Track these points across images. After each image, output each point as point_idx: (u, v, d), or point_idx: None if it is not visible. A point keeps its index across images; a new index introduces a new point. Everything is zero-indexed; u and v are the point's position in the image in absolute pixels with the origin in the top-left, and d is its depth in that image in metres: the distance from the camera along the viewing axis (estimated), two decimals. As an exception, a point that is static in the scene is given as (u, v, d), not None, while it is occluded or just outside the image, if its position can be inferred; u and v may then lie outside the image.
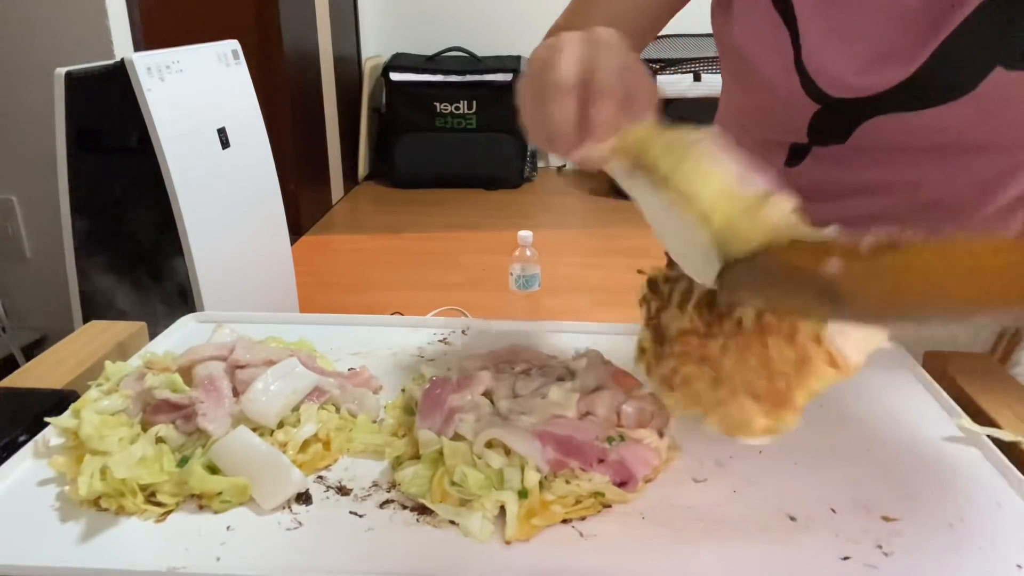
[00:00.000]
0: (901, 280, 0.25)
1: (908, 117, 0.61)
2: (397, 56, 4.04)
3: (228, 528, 0.43)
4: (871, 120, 0.62)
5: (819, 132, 0.65)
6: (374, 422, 0.53)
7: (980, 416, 0.56)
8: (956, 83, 0.59)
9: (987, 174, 0.65)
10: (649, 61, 3.55)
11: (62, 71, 1.55)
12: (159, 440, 0.48)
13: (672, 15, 0.70)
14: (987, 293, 0.23)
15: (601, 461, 0.46)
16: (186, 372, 0.54)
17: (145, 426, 0.49)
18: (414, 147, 3.95)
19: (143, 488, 0.45)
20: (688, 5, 0.68)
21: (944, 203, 0.66)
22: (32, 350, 2.04)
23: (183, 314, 0.71)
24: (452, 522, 0.43)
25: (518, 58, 3.82)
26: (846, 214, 0.68)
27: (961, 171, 0.64)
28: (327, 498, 0.46)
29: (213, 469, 0.46)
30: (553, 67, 0.40)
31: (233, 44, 1.85)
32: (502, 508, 0.43)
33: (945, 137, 0.62)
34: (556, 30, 0.69)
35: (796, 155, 0.68)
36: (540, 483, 0.44)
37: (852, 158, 0.66)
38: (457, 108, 3.86)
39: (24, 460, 0.49)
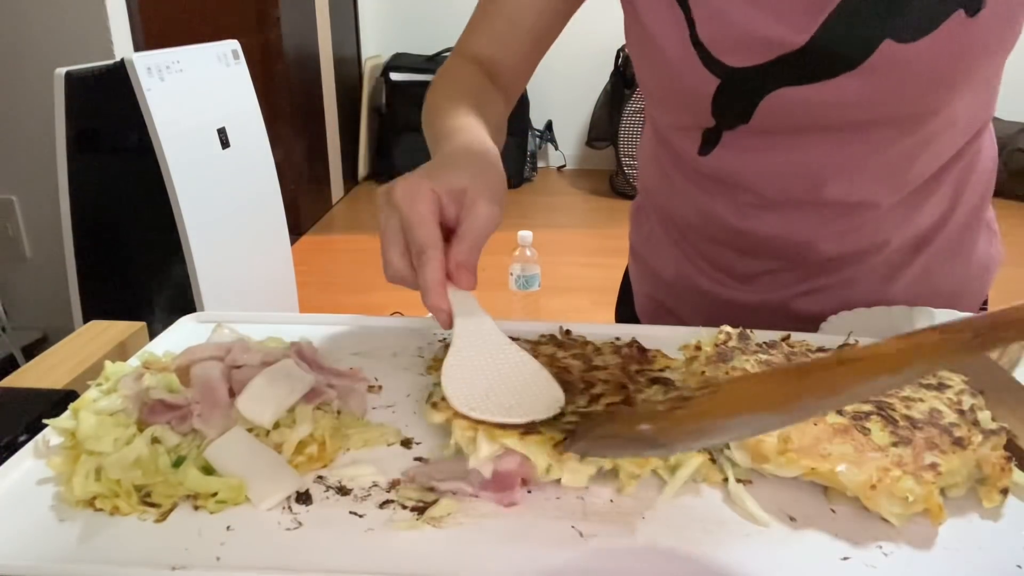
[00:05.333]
0: (694, 423, 0.36)
1: (805, 91, 0.61)
2: (397, 56, 4.04)
3: (228, 528, 0.43)
4: (770, 95, 0.62)
5: (722, 110, 0.65)
6: (364, 418, 0.53)
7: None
8: (846, 54, 0.59)
9: (891, 156, 0.65)
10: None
11: (62, 71, 1.55)
12: (154, 441, 0.47)
13: (568, 19, 0.72)
14: (743, 410, 0.35)
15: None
16: (184, 372, 0.53)
17: (141, 426, 0.49)
18: (414, 147, 3.94)
19: (138, 489, 0.45)
20: None
21: (855, 198, 0.67)
22: (32, 350, 2.04)
23: (183, 314, 0.70)
24: (453, 522, 0.43)
25: (518, 58, 3.82)
26: (763, 201, 0.69)
27: (866, 152, 0.65)
28: (327, 498, 0.46)
29: (208, 470, 0.46)
30: (385, 261, 0.53)
31: (233, 44, 1.85)
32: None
33: (844, 114, 0.62)
34: (462, 46, 0.72)
35: (708, 141, 0.68)
36: None
37: (761, 143, 0.66)
38: (457, 108, 3.85)
39: (24, 460, 0.49)
